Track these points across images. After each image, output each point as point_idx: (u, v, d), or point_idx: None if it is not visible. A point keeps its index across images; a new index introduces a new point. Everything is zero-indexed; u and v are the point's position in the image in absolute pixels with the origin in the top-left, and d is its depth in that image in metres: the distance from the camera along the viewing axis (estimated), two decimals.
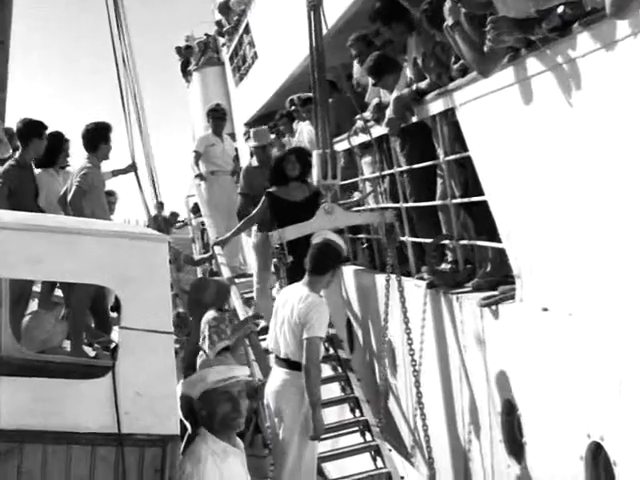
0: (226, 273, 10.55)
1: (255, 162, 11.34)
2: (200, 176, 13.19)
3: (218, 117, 13.71)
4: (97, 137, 9.35)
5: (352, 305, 10.34)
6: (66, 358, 6.84)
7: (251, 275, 13.13)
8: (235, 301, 9.47)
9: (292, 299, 6.81)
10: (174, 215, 19.46)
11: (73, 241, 4.86)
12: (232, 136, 17.81)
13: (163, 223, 12.61)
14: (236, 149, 16.59)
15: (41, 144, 8.98)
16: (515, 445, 6.54)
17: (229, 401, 4.72)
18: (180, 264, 10.90)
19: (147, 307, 4.82)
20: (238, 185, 13.57)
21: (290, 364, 6.73)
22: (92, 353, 8.95)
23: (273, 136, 12.69)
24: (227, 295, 8.12)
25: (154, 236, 5.16)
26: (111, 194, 11.67)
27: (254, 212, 9.62)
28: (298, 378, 6.62)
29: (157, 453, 4.72)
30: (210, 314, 7.31)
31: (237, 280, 11.67)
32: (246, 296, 11.21)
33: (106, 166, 9.92)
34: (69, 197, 8.96)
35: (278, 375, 6.84)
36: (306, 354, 6.54)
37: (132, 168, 10.00)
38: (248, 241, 14.91)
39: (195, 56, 24.94)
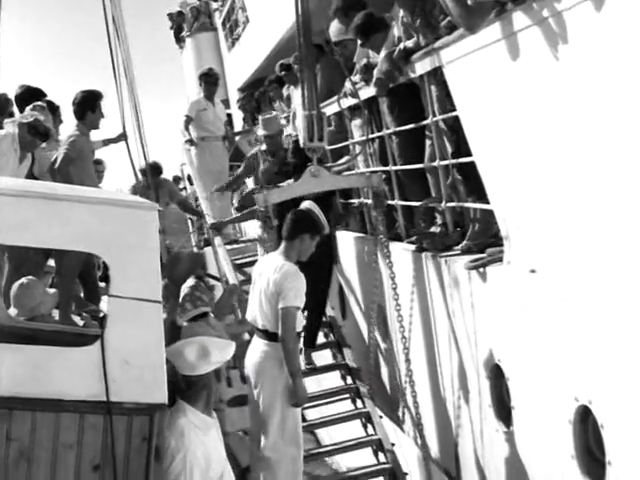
0: (218, 241, 10.44)
1: (263, 147, 10.94)
2: (190, 141, 13.07)
3: (210, 82, 13.62)
4: (85, 105, 9.30)
5: (343, 271, 10.23)
6: (55, 326, 6.84)
7: (245, 242, 13.07)
8: (225, 267, 9.36)
9: (267, 269, 6.71)
10: (176, 180, 19.31)
11: (62, 208, 4.84)
12: (226, 102, 17.65)
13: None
14: (229, 115, 16.44)
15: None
16: (503, 409, 6.46)
17: (217, 377, 4.80)
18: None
19: (136, 276, 4.81)
20: (229, 150, 13.50)
21: (269, 335, 6.64)
22: (81, 322, 8.89)
23: (283, 120, 12.31)
24: (199, 266, 7.99)
25: (144, 204, 5.13)
26: (99, 162, 11.59)
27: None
28: (277, 349, 6.52)
29: (145, 421, 4.74)
30: (188, 282, 7.19)
31: (229, 247, 11.59)
32: (238, 262, 11.12)
33: (97, 135, 9.96)
34: (56, 164, 8.85)
35: (257, 346, 6.74)
36: (282, 324, 6.45)
37: (122, 137, 9.99)
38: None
39: (188, 22, 24.69)
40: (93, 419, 4.70)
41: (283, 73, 12.43)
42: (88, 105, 9.29)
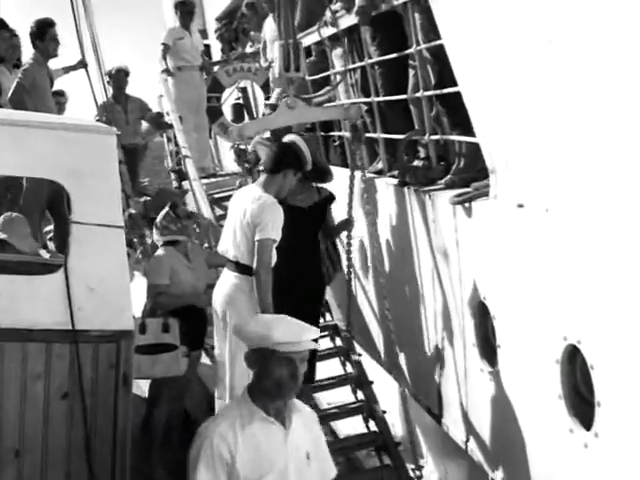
0: (193, 175, 10.21)
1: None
2: (167, 71, 12.75)
3: (186, 10, 13.37)
4: (34, 34, 9.20)
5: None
6: (19, 256, 6.79)
7: (223, 176, 12.83)
8: (200, 200, 9.15)
9: (245, 200, 6.45)
10: (160, 115, 18.89)
11: (18, 133, 4.78)
12: (204, 33, 17.26)
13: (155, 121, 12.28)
14: (207, 46, 16.08)
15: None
16: (488, 349, 6.31)
17: (287, 366, 3.89)
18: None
19: (97, 201, 4.82)
20: (206, 81, 13.17)
21: (240, 267, 6.39)
22: (47, 255, 8.71)
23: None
24: (171, 198, 7.87)
25: (102, 128, 5.17)
26: (61, 94, 11.33)
27: None
28: (247, 282, 6.30)
29: (112, 349, 4.80)
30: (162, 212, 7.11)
31: (207, 180, 11.39)
32: (216, 196, 10.92)
33: (56, 64, 9.89)
34: (9, 94, 8.64)
35: (227, 279, 6.50)
36: (257, 257, 6.21)
37: (82, 64, 9.91)
38: (224, 143, 14.56)
39: None
40: (60, 348, 4.73)
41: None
42: (37, 34, 9.19)
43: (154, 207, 7.43)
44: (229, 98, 14.65)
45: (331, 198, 7.69)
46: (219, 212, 9.63)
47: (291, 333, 3.89)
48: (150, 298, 7.24)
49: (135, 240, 7.90)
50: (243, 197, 6.53)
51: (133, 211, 8.79)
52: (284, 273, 6.61)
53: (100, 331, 4.77)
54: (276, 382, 3.89)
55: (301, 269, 7.20)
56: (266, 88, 12.18)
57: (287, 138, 7.01)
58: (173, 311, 7.16)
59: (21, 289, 4.79)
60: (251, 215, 6.27)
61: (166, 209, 7.51)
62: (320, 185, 7.66)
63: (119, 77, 11.80)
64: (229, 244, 6.47)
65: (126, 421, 4.92)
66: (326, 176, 7.66)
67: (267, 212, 6.28)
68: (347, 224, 7.77)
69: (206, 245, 8.11)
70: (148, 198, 9.39)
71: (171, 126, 12.01)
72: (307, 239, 7.41)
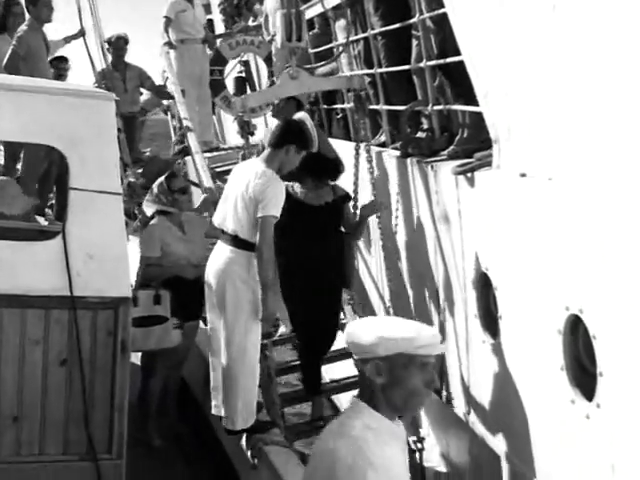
0: (195, 148, 10.12)
1: None
2: (170, 44, 12.64)
3: None
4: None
5: None
6: (17, 223, 6.85)
7: (226, 149, 12.75)
8: (202, 173, 9.07)
9: (247, 174, 6.36)
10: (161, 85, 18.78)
11: (16, 98, 4.77)
12: (207, 7, 17.12)
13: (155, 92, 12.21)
14: (210, 20, 15.96)
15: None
16: (490, 320, 6.25)
17: (426, 373, 3.22)
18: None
19: (95, 168, 4.82)
20: (209, 54, 13.08)
21: (238, 242, 6.30)
22: (45, 222, 8.77)
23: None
24: (160, 166, 7.86)
25: (101, 94, 5.18)
26: (65, 60, 11.21)
27: None
28: (244, 257, 6.23)
29: (110, 315, 4.83)
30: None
31: (209, 154, 11.31)
32: (218, 170, 10.84)
33: (58, 34, 10.04)
34: (4, 61, 8.59)
35: (222, 252, 6.40)
36: (261, 232, 6.12)
37: (80, 33, 10.08)
38: (227, 117, 14.47)
39: None
40: (58, 314, 4.76)
41: None
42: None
43: (148, 173, 7.39)
44: (232, 72, 14.60)
45: (347, 197, 7.40)
46: (222, 186, 9.56)
47: (430, 335, 3.25)
48: (141, 270, 7.18)
49: (136, 211, 7.83)
50: (245, 171, 6.45)
51: (132, 179, 8.74)
52: (295, 272, 6.58)
53: (98, 298, 4.78)
54: (413, 391, 3.22)
55: (312, 268, 6.96)
56: (269, 61, 12.10)
57: (296, 116, 6.92)
58: (165, 282, 7.11)
59: (19, 255, 4.78)
60: (254, 190, 6.18)
61: (161, 179, 7.47)
62: (335, 184, 7.36)
63: (118, 44, 11.73)
64: (229, 217, 6.37)
65: (124, 388, 4.92)
66: (340, 172, 7.38)
67: (271, 188, 6.19)
68: (371, 208, 7.43)
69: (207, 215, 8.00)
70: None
71: (172, 96, 11.90)
72: (319, 238, 7.11)
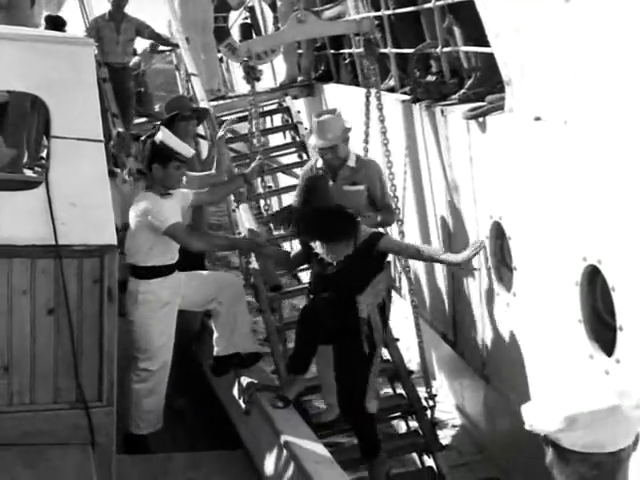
0: (201, 94, 9.84)
1: (319, 163, 6.67)
2: None
3: None
4: None
5: None
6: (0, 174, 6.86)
7: (232, 97, 12.45)
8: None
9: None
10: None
11: None
12: None
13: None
14: None
15: None
16: (504, 271, 6.05)
17: None
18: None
19: (75, 115, 4.80)
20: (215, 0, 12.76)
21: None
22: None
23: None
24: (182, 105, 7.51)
25: (79, 40, 5.17)
26: (60, 23, 10.92)
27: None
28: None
29: (96, 263, 4.84)
30: None
31: (215, 102, 11.03)
32: (224, 119, 10.57)
33: None
34: None
35: None
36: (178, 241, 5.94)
37: None
38: (235, 65, 14.16)
39: None
40: (44, 264, 4.79)
41: None
42: None
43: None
44: (237, 19, 14.27)
45: (369, 247, 5.82)
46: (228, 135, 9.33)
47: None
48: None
49: (127, 158, 7.57)
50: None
51: (121, 129, 8.52)
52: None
53: (84, 245, 4.78)
54: None
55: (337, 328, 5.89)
56: (274, 7, 11.80)
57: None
58: None
59: (3, 206, 4.78)
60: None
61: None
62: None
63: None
64: None
65: (112, 335, 4.94)
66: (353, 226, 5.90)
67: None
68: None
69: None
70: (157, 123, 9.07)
71: (176, 45, 11.61)
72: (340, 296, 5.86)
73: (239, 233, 7.26)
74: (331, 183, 6.27)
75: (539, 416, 2.45)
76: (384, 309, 5.99)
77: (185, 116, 7.27)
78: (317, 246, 5.90)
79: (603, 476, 2.34)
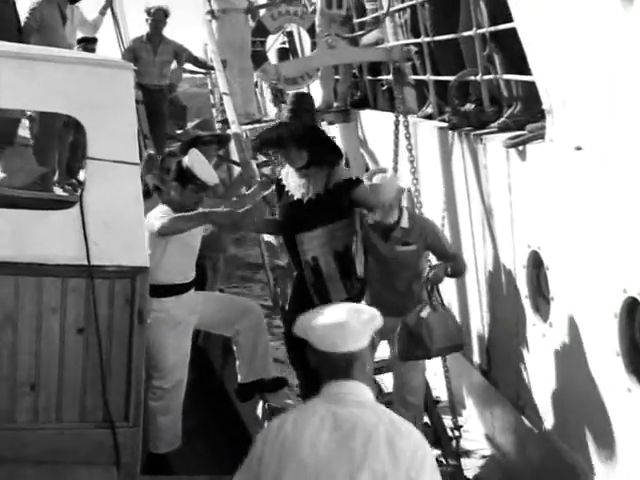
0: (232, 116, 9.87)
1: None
2: (212, 13, 12.40)
3: None
4: None
5: (370, 151, 9.71)
6: (34, 193, 6.92)
7: (267, 122, 12.50)
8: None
9: None
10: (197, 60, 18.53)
11: (36, 67, 4.80)
12: None
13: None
14: None
15: None
16: (541, 301, 5.99)
17: None
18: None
19: (113, 137, 4.84)
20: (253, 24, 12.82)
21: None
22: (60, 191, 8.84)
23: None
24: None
25: (119, 63, 5.23)
26: (93, 41, 11.04)
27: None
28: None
29: (127, 284, 4.88)
30: None
31: (250, 126, 11.08)
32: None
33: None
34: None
35: None
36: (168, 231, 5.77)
37: (109, 3, 10.50)
38: (268, 90, 14.25)
39: None
40: (75, 283, 4.84)
41: None
42: None
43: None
44: (275, 43, 14.33)
45: (346, 186, 5.93)
46: (262, 158, 9.36)
47: None
48: None
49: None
50: None
51: (152, 151, 8.57)
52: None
53: (116, 267, 4.83)
54: None
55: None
56: (312, 32, 11.83)
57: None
58: None
59: (37, 224, 4.84)
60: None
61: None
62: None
63: (157, 16, 11.50)
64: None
65: (141, 356, 4.98)
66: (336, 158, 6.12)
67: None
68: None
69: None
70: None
71: (212, 67, 11.68)
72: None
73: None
74: (383, 244, 6.04)
75: None
76: (348, 260, 6.03)
77: (205, 141, 7.35)
78: (289, 181, 6.09)
79: None
